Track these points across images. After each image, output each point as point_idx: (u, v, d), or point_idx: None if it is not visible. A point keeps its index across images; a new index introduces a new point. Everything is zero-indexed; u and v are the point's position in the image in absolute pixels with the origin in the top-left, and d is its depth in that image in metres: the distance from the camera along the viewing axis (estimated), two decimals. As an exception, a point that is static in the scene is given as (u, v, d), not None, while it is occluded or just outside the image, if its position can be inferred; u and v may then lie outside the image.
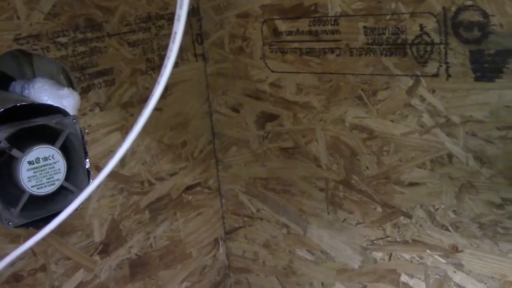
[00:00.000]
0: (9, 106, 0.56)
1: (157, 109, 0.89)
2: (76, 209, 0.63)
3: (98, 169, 0.82)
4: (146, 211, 0.91)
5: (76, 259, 0.81)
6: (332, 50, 0.81)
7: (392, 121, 0.79)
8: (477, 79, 0.70)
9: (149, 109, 0.34)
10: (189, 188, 0.98)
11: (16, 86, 0.72)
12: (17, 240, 0.73)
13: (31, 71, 0.76)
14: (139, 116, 0.35)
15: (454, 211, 0.78)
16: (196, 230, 1.01)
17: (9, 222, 0.56)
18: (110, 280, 0.86)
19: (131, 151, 0.86)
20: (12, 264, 0.73)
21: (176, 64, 0.91)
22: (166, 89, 0.90)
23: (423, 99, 0.75)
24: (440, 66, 0.72)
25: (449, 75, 0.72)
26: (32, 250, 0.75)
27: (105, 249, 0.85)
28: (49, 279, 0.78)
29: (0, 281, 0.72)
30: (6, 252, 0.72)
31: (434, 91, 0.74)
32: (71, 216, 0.65)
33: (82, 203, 0.62)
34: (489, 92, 0.70)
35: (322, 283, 0.96)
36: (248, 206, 1.01)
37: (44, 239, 0.76)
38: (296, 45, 0.84)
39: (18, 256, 0.42)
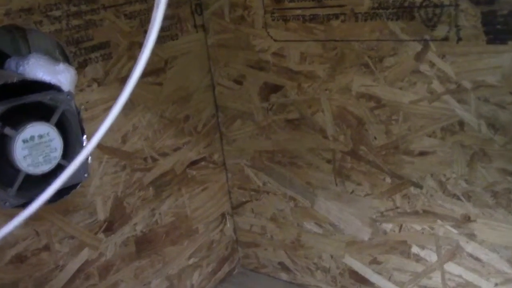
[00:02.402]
0: (0, 84, 0.54)
1: (157, 83, 0.87)
2: (75, 187, 0.62)
3: (99, 146, 0.80)
4: (150, 188, 0.89)
5: (80, 237, 0.80)
6: (336, 16, 0.77)
7: (400, 88, 0.76)
8: (489, 41, 0.67)
9: (134, 78, 0.32)
10: (193, 163, 0.96)
11: (11, 63, 0.70)
12: (19, 220, 0.72)
13: (26, 47, 0.73)
14: (125, 84, 0.33)
15: (466, 180, 0.75)
16: (202, 206, 0.99)
17: (5, 202, 0.55)
18: (116, 258, 0.85)
19: (132, 127, 0.84)
20: (14, 244, 0.72)
21: (175, 36, 0.89)
22: (166, 62, 0.88)
23: (432, 65, 0.72)
24: (450, 29, 0.69)
25: (459, 39, 0.69)
26: (34, 230, 0.74)
27: (109, 227, 0.84)
28: (53, 259, 0.77)
29: (4, 261, 0.71)
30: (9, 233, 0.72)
31: (443, 56, 0.71)
32: (72, 194, 0.64)
33: (78, 179, 0.61)
34: (502, 55, 0.66)
35: (331, 256, 0.95)
36: (254, 180, 0.99)
37: (46, 218, 0.75)
38: (299, 12, 0.81)
39: (8, 234, 0.40)
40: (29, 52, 0.72)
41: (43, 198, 0.39)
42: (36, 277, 0.75)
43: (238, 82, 0.93)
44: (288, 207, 0.97)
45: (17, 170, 0.56)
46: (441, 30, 0.69)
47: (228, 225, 1.06)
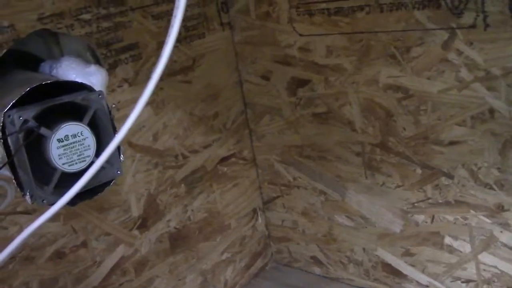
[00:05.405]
0: (34, 86, 0.56)
1: (186, 81, 0.89)
2: (109, 184, 0.64)
3: (131, 144, 0.82)
4: (182, 185, 0.91)
5: (116, 234, 0.82)
6: (361, 8, 0.77)
7: (428, 78, 0.76)
8: (518, 27, 0.66)
9: (156, 74, 0.33)
10: (223, 159, 0.97)
11: (45, 67, 0.72)
12: (57, 218, 0.75)
13: (59, 50, 0.76)
14: (151, 77, 0.34)
15: (498, 168, 0.74)
16: (234, 201, 1.01)
17: (43, 200, 0.57)
18: (151, 254, 0.87)
19: (163, 125, 0.86)
20: (53, 241, 0.74)
21: (202, 35, 0.91)
22: (194, 61, 0.89)
23: (460, 53, 0.71)
24: (477, 16, 0.68)
25: (487, 25, 0.68)
26: (72, 227, 0.76)
27: (143, 224, 0.86)
28: (90, 255, 0.79)
29: (44, 258, 0.74)
30: (48, 231, 0.75)
31: (471, 44, 0.70)
32: (107, 192, 0.66)
33: (111, 176, 0.63)
34: (532, 40, 0.65)
35: (364, 249, 0.95)
36: (284, 174, 1.00)
37: (82, 216, 0.78)
38: (323, 5, 0.81)
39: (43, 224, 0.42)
40: (62, 55, 0.75)
41: (76, 189, 0.41)
42: (74, 273, 0.78)
43: (266, 78, 0.94)
44: (318, 201, 0.97)
45: (53, 169, 0.58)
46: (468, 17, 0.69)
47: (260, 220, 1.07)
